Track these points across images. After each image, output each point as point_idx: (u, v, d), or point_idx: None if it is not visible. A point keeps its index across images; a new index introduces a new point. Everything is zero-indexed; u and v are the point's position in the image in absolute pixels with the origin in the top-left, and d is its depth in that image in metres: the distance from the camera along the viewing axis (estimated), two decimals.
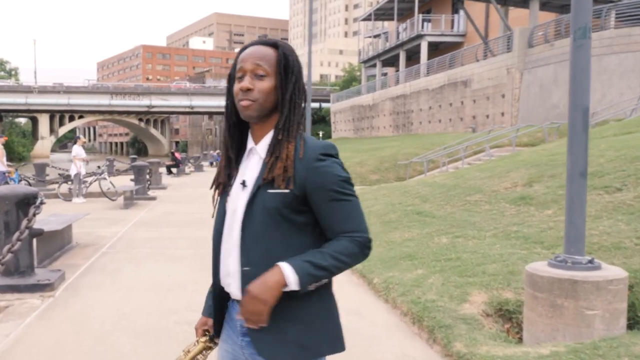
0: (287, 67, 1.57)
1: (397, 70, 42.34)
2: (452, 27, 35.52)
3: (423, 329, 4.43)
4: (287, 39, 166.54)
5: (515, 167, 9.73)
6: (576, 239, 4.04)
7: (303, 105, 1.61)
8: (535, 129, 17.10)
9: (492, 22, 31.00)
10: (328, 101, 66.14)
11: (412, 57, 39.44)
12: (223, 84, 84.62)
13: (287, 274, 1.47)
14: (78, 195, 13.38)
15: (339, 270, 1.53)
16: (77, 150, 13.54)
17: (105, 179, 13.72)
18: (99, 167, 14.32)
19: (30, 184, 14.11)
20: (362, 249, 1.55)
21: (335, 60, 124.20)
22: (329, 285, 1.62)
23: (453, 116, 29.40)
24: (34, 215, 5.09)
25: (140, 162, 14.37)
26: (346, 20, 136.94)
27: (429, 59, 34.59)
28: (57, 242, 6.72)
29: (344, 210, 1.53)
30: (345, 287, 5.85)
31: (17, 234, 4.77)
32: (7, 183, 12.89)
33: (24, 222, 4.93)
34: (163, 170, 24.42)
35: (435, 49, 36.78)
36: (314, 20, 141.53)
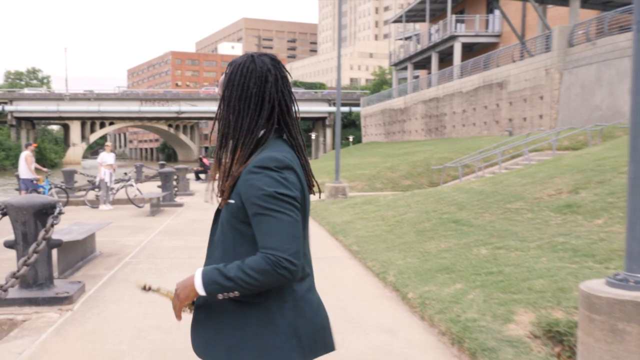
0: (226, 83, 1.62)
1: (429, 73, 41.69)
2: (487, 27, 34.74)
3: (464, 351, 4.03)
4: (315, 43, 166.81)
5: (559, 173, 9.18)
6: None
7: (243, 116, 1.58)
8: (577, 132, 16.36)
9: (529, 21, 30.16)
10: (358, 105, 65.80)
11: (445, 59, 38.76)
12: None
13: (196, 278, 1.54)
14: (105, 202, 13.30)
15: (249, 285, 1.48)
16: (103, 156, 13.46)
17: (132, 185, 13.61)
18: (125, 173, 14.21)
19: (64, 190, 14.06)
20: (274, 268, 1.47)
21: (365, 63, 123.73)
22: (273, 300, 1.57)
23: (488, 119, 28.66)
24: (52, 225, 4.87)
25: (167, 169, 14.26)
26: (376, 23, 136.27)
27: (462, 60, 33.90)
28: (79, 251, 6.52)
29: (264, 225, 1.49)
30: (377, 301, 5.47)
31: (33, 246, 4.54)
32: (35, 190, 12.93)
33: (41, 233, 4.71)
34: (191, 176, 24.40)
35: (469, 50, 36.07)
36: (343, 24, 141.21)
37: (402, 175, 17.64)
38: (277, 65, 1.61)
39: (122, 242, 8.25)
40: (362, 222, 9.59)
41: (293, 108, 1.64)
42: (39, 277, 5.05)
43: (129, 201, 13.37)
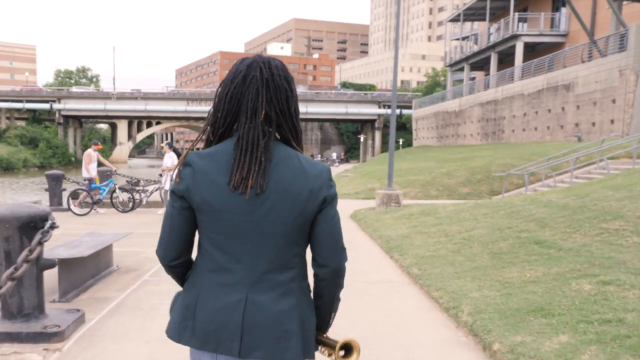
0: None
1: (487, 74, 39.66)
2: (552, 26, 32.53)
3: None
4: (366, 45, 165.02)
5: None
6: None
7: (215, 114, 1.62)
8: None
9: (600, 19, 27.88)
10: (409, 107, 63.94)
11: (504, 60, 36.73)
12: (301, 89, 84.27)
13: None
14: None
15: None
16: (166, 160, 12.11)
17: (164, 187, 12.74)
18: (160, 174, 13.30)
19: (133, 188, 12.95)
20: None
21: (417, 65, 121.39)
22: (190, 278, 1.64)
23: (552, 123, 26.62)
24: (40, 243, 3.82)
25: None
26: (430, 24, 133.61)
27: (524, 61, 31.86)
28: (89, 268, 5.49)
29: None
30: (450, 350, 4.18)
31: (8, 271, 3.49)
32: (88, 192, 12.15)
33: (24, 254, 3.66)
34: None
35: (532, 50, 33.93)
36: (394, 25, 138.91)
37: (460, 182, 16.13)
38: (252, 66, 1.58)
39: (146, 254, 7.17)
40: (422, 238, 8.27)
41: (255, 108, 1.56)
42: (25, 306, 4.02)
43: (163, 203, 12.47)
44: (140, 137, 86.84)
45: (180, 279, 1.66)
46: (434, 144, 43.06)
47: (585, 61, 24.55)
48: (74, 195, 12.10)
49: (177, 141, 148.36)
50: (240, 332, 1.52)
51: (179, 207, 1.56)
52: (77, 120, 76.24)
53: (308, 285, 1.65)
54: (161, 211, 12.11)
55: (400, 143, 59.88)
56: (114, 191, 12.67)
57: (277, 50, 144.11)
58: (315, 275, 1.62)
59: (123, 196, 12.75)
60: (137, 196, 12.63)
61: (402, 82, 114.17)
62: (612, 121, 21.83)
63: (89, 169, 12.42)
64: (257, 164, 1.51)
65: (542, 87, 27.61)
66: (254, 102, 1.55)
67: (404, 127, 69.72)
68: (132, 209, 12.40)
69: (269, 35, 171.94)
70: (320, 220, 1.57)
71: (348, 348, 1.55)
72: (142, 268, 6.36)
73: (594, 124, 23.09)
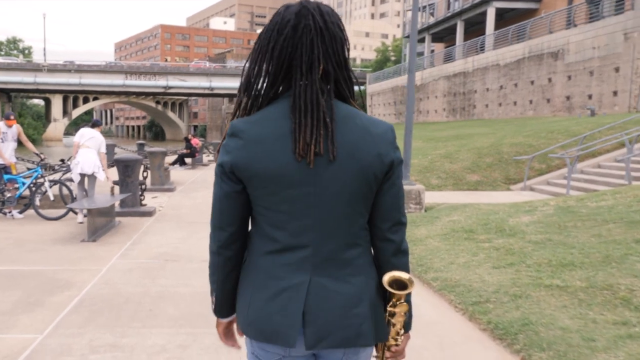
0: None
1: (448, 46, 36.57)
2: None
3: None
4: None
5: None
6: None
7: (250, 72, 1.40)
8: None
9: None
10: (362, 84, 60.43)
11: (471, 30, 33.64)
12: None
13: None
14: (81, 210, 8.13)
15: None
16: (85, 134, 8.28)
17: (71, 179, 8.56)
18: (62, 160, 9.14)
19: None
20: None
21: (361, 43, 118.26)
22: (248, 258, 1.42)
23: (535, 97, 23.66)
24: None
25: (126, 155, 8.96)
26: (373, 2, 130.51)
27: (494, 29, 28.82)
28: None
29: None
30: None
31: None
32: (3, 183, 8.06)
33: None
34: (172, 160, 19.19)
35: (500, 19, 30.89)
36: (339, 2, 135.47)
37: (466, 167, 12.65)
38: (301, 14, 1.32)
39: None
40: (500, 275, 4.63)
41: (311, 62, 1.31)
42: None
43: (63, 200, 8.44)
44: (76, 113, 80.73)
45: (232, 267, 1.42)
46: (392, 120, 39.77)
47: (578, 24, 21.56)
48: None
49: (117, 118, 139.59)
50: (301, 319, 1.31)
51: (229, 186, 1.35)
52: (5, 94, 68.49)
53: (373, 261, 1.42)
54: (81, 218, 7.87)
55: None
56: (40, 185, 8.37)
57: (220, 25, 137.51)
58: (379, 252, 1.41)
59: (53, 192, 8.59)
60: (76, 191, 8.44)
61: None
62: (615, 93, 18.95)
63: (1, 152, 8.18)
64: (322, 126, 1.29)
65: (522, 56, 24.61)
66: (309, 55, 1.31)
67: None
68: (64, 214, 8.23)
69: (212, 10, 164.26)
70: (385, 188, 1.35)
71: (399, 284, 1.36)
72: None
73: (590, 97, 20.20)
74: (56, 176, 9.35)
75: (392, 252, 1.39)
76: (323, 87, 1.32)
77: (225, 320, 1.49)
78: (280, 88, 1.36)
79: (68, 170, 9.02)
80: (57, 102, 78.33)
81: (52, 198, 8.43)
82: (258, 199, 1.33)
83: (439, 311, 4.33)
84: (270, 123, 1.31)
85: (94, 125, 8.43)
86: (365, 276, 1.36)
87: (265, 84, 1.36)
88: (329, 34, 1.32)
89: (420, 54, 40.41)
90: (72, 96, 78.53)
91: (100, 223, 7.12)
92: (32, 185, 8.34)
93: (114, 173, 9.30)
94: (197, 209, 9.46)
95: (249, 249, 1.41)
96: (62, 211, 8.25)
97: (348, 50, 1.37)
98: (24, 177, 8.42)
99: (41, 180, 8.36)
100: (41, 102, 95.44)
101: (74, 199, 8.28)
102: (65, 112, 78.04)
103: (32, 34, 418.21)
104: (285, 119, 1.31)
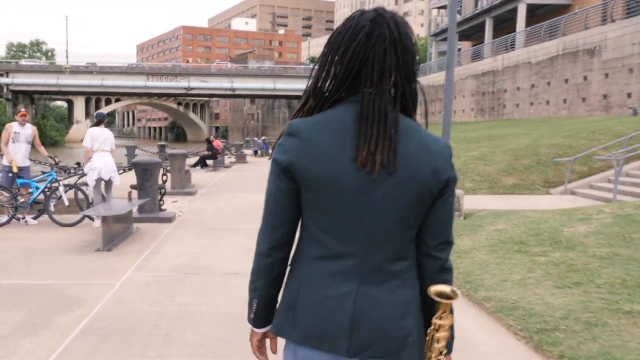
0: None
1: (475, 44, 35.69)
2: None
3: None
4: (332, 22, 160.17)
5: None
6: None
7: (318, 76, 1.38)
8: None
9: None
10: None
11: (500, 27, 32.74)
12: (267, 65, 79.16)
13: None
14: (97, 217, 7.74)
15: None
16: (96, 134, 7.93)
17: (78, 187, 8.12)
18: (78, 164, 8.72)
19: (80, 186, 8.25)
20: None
21: None
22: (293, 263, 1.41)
23: (570, 96, 22.74)
24: None
25: (145, 158, 8.49)
26: (396, 1, 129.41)
27: (525, 27, 27.90)
28: None
29: None
30: None
31: None
32: (7, 188, 7.74)
33: None
34: (193, 162, 18.80)
35: (531, 16, 29.94)
36: (362, 1, 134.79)
37: (502, 169, 11.95)
38: (376, 21, 1.30)
39: None
40: (566, 297, 4.02)
41: (382, 72, 1.29)
42: None
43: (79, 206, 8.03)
44: None
45: (279, 271, 1.40)
46: (418, 121, 38.98)
47: (617, 20, 20.61)
48: None
49: (139, 120, 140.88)
50: (349, 327, 1.29)
51: (284, 183, 1.32)
52: (29, 96, 69.21)
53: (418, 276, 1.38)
54: (98, 224, 7.43)
55: None
56: (55, 190, 7.96)
57: (242, 25, 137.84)
58: (423, 268, 1.37)
59: (68, 197, 8.19)
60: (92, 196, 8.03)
61: None
62: None
63: (7, 152, 7.81)
64: (387, 138, 1.28)
65: (556, 54, 23.69)
66: (382, 66, 1.29)
67: None
68: (80, 220, 7.84)
69: (234, 11, 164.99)
70: (438, 205, 1.33)
71: (443, 297, 1.31)
72: None
73: (629, 95, 19.25)
74: (72, 180, 8.92)
75: (437, 269, 1.36)
76: (391, 99, 1.31)
77: (261, 332, 1.45)
78: (344, 93, 1.34)
79: (84, 174, 8.62)
80: (79, 104, 79.04)
81: (67, 203, 8.02)
82: (310, 202, 1.31)
83: (497, 339, 3.73)
84: (330, 127, 1.30)
85: (100, 122, 8.02)
86: (413, 290, 1.34)
87: (331, 88, 1.34)
88: (402, 46, 1.30)
89: (445, 53, 39.59)
90: (94, 98, 79.15)
91: (117, 231, 6.67)
92: (46, 190, 7.93)
93: (131, 178, 8.85)
94: (219, 214, 8.97)
95: (296, 253, 1.39)
96: (77, 217, 7.83)
97: (418, 64, 1.37)
98: (38, 182, 8.01)
99: (56, 184, 7.96)
100: (64, 105, 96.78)
101: (90, 204, 7.86)
102: (87, 114, 78.77)
103: (56, 37, 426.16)
104: (347, 124, 1.29)
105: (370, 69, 1.29)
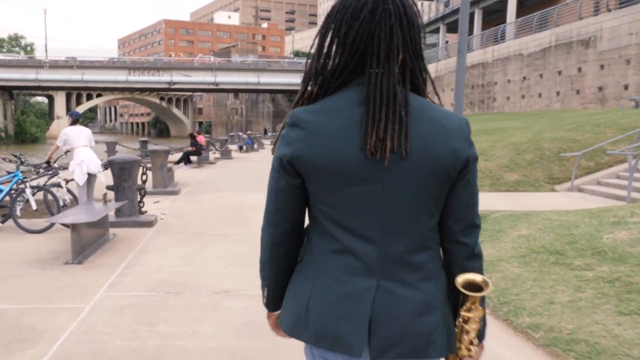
0: (324, 18, 1.37)
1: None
2: None
3: None
4: (315, 15, 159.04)
5: None
6: None
7: (317, 58, 1.29)
8: None
9: None
10: None
11: (489, 19, 32.20)
12: (250, 58, 78.00)
13: None
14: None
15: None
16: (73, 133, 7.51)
17: (60, 185, 7.32)
18: (47, 162, 7.87)
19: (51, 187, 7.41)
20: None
21: None
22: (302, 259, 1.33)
23: (563, 88, 22.23)
24: None
25: (122, 156, 7.61)
26: None
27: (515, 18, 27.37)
28: None
29: None
30: None
31: None
32: None
33: None
34: (175, 158, 17.91)
35: (520, 7, 29.44)
36: None
37: (503, 165, 11.30)
38: None
39: None
40: (639, 327, 3.32)
41: (389, 50, 1.20)
42: None
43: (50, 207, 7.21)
44: (80, 110, 79.18)
45: (285, 264, 1.33)
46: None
47: (612, 9, 20.10)
48: None
49: (122, 115, 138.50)
50: (367, 327, 1.21)
51: (287, 181, 1.25)
52: (7, 91, 67.16)
53: (443, 266, 1.30)
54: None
55: None
56: (21, 192, 7.11)
57: (225, 19, 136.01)
58: (450, 255, 1.29)
59: (36, 199, 7.39)
60: (63, 196, 7.32)
61: None
62: None
63: None
64: (397, 121, 1.19)
65: (548, 45, 23.17)
66: (388, 44, 1.21)
67: None
68: (49, 226, 7.01)
69: (216, 4, 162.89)
70: (459, 187, 1.23)
71: (473, 287, 1.23)
72: None
73: (626, 87, 18.76)
74: (40, 181, 8.05)
75: (465, 255, 1.26)
76: (400, 78, 1.22)
77: (277, 313, 1.40)
78: (348, 76, 1.24)
79: (54, 174, 7.75)
80: (60, 100, 77.39)
81: (34, 207, 7.16)
82: (318, 195, 1.23)
83: (510, 345, 3.02)
84: (335, 114, 1.20)
85: (76, 121, 7.45)
86: (436, 281, 1.24)
87: (335, 72, 1.24)
88: (407, 20, 1.22)
89: (434, 45, 39.00)
90: (75, 93, 77.46)
91: (90, 238, 5.84)
92: (12, 192, 7.08)
93: (108, 177, 8.01)
94: (205, 216, 8.16)
95: (307, 247, 1.31)
96: (46, 223, 6.98)
97: (425, 38, 1.28)
98: (2, 183, 7.16)
99: (22, 186, 7.10)
100: (45, 100, 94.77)
101: (60, 208, 7.01)
102: (68, 110, 77.23)
103: (35, 32, 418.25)
104: (353, 109, 1.20)
105: (376, 48, 1.21)
